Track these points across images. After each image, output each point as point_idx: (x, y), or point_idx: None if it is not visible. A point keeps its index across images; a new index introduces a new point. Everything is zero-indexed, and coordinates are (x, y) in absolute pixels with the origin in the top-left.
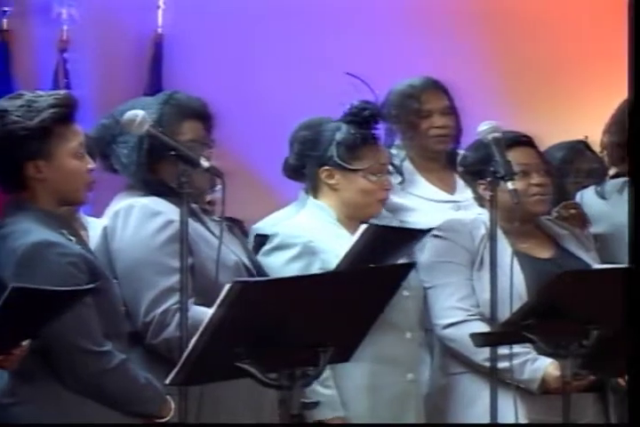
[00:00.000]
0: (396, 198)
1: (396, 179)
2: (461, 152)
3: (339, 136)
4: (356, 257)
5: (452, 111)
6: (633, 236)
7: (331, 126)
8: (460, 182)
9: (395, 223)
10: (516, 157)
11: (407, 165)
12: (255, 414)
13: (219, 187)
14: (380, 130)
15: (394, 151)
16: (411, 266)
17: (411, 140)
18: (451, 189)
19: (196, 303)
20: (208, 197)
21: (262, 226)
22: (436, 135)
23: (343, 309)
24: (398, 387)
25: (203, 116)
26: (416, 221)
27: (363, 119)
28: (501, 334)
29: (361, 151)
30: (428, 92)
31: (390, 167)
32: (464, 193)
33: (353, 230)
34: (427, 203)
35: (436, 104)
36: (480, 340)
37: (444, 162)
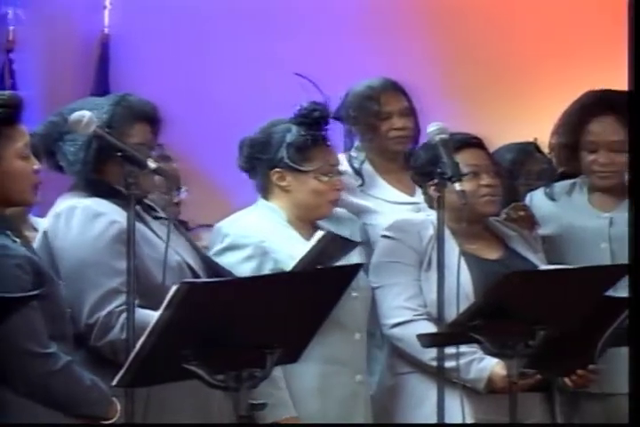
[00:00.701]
0: (357, 200)
1: (356, 181)
2: None
3: (289, 138)
4: (310, 263)
5: (410, 112)
6: (633, 236)
7: (280, 128)
8: None
9: (358, 225)
10: (465, 158)
11: (367, 167)
12: (202, 416)
13: (185, 188)
14: (330, 131)
15: (353, 153)
16: (357, 268)
17: (370, 142)
18: (411, 190)
19: (139, 305)
20: (175, 199)
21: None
22: (395, 137)
23: (290, 310)
24: (347, 388)
25: (153, 119)
26: (378, 223)
27: (312, 120)
28: (448, 334)
29: (311, 152)
30: (386, 94)
31: (350, 169)
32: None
33: (304, 232)
34: (387, 205)
35: (395, 105)
36: (427, 340)
37: (403, 163)
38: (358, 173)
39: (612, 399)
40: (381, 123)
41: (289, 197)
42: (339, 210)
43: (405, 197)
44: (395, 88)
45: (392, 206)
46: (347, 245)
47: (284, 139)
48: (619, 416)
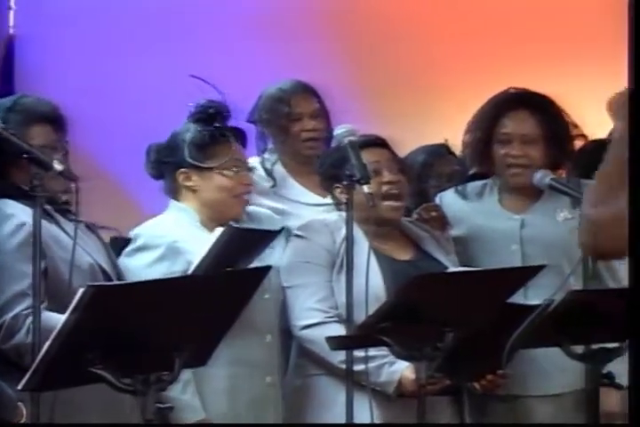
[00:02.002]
0: (269, 202)
1: (268, 183)
2: None
3: (188, 136)
4: (214, 259)
5: (321, 114)
6: (633, 235)
7: (181, 129)
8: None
9: (279, 224)
10: (366, 156)
11: (279, 170)
12: (112, 416)
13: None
14: (230, 127)
15: (266, 155)
16: (267, 269)
17: (282, 144)
18: (323, 192)
19: (49, 308)
20: (64, 197)
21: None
22: (307, 138)
23: (199, 312)
24: (257, 390)
25: (52, 119)
26: (291, 224)
27: (209, 117)
28: (357, 337)
29: (212, 149)
30: (297, 96)
31: (262, 172)
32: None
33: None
34: (301, 206)
35: (306, 107)
36: (335, 343)
37: (315, 165)
38: (270, 174)
39: (520, 402)
40: (292, 124)
41: (197, 197)
42: (257, 209)
43: (318, 199)
44: (305, 90)
45: (305, 208)
46: (259, 236)
47: (185, 138)
48: (526, 418)
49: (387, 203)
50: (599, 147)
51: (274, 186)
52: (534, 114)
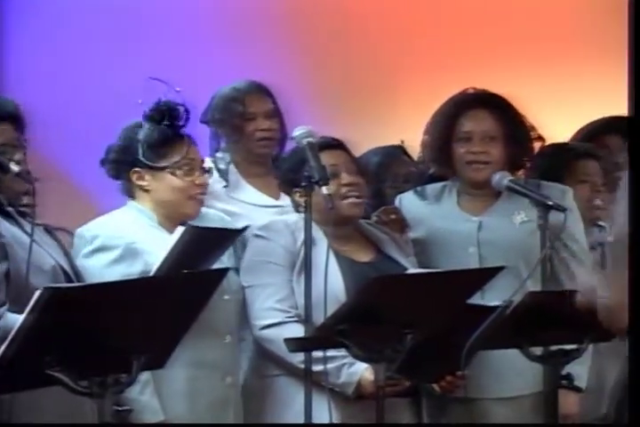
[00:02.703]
0: (221, 204)
1: (220, 183)
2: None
3: (141, 135)
4: (175, 259)
5: (276, 114)
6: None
7: (135, 129)
8: None
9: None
10: (325, 158)
11: (232, 170)
12: (73, 416)
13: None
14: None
15: (219, 155)
16: (225, 271)
17: (236, 144)
18: (276, 193)
19: (13, 310)
20: (25, 199)
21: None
22: (261, 138)
23: (157, 314)
24: (217, 391)
25: (12, 117)
26: (241, 226)
27: (161, 116)
28: (315, 338)
29: (165, 148)
30: (251, 96)
31: (215, 172)
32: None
33: (173, 232)
34: (251, 208)
35: (260, 107)
36: (294, 344)
37: (268, 166)
38: (224, 175)
39: (477, 404)
40: (246, 124)
41: (151, 197)
42: (207, 211)
43: (270, 201)
44: (260, 90)
45: (256, 209)
46: (221, 235)
47: (138, 138)
48: (483, 421)
49: (347, 200)
50: (558, 150)
51: (226, 186)
52: (493, 113)
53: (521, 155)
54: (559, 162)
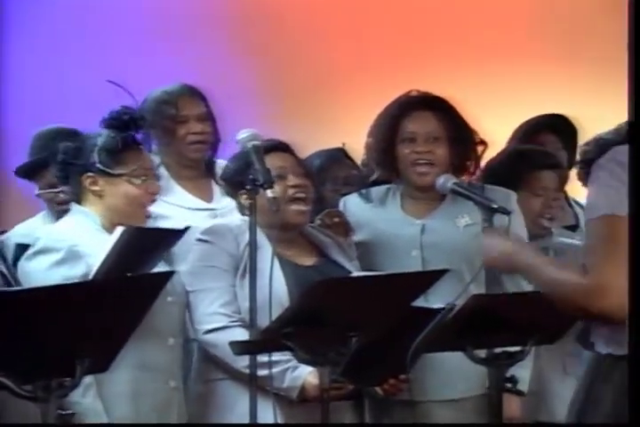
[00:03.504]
0: (152, 208)
1: None
2: (219, 161)
3: (100, 141)
4: (114, 261)
5: (208, 117)
6: (634, 236)
7: (93, 133)
8: (218, 190)
9: None
10: (271, 161)
11: (163, 173)
12: (21, 416)
13: None
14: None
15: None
16: (170, 274)
17: (167, 147)
18: (208, 197)
19: None
20: None
21: (15, 234)
22: (193, 141)
23: (101, 318)
24: (161, 394)
25: None
26: (190, 225)
27: (122, 123)
28: (260, 342)
29: (123, 156)
30: (184, 98)
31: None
32: (221, 201)
33: None
34: (183, 211)
35: (192, 110)
36: (239, 348)
37: (201, 170)
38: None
39: (420, 406)
40: (178, 127)
41: (102, 202)
42: None
43: (202, 203)
44: (192, 93)
45: (187, 212)
46: (161, 235)
47: (96, 143)
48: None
49: (293, 207)
50: (517, 159)
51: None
52: (436, 115)
53: (464, 156)
54: (517, 173)
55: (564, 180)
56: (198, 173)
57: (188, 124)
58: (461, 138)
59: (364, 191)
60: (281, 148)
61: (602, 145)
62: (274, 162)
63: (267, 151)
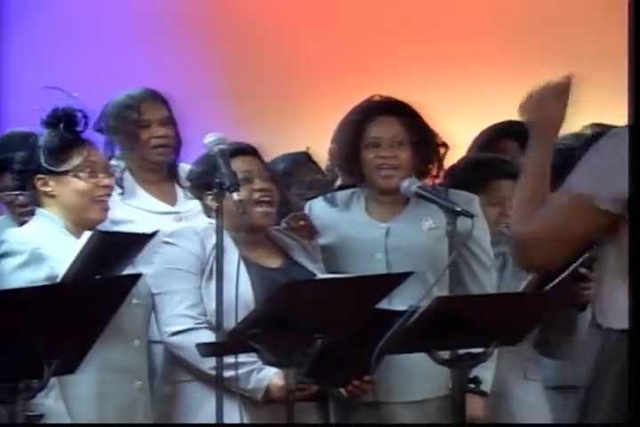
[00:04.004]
0: (115, 211)
1: (115, 190)
2: (182, 164)
3: (41, 142)
4: (82, 264)
5: (170, 121)
6: (634, 237)
7: (36, 136)
8: (181, 193)
9: None
10: (237, 165)
11: (127, 177)
12: None
13: None
14: (84, 131)
15: (113, 162)
16: (137, 277)
17: (131, 151)
18: (171, 200)
19: None
20: None
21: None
22: (156, 145)
23: (68, 320)
24: (127, 395)
25: None
26: (159, 229)
27: (58, 120)
28: (227, 343)
29: (66, 152)
30: (146, 103)
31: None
32: (185, 204)
33: (80, 237)
34: (147, 214)
35: (154, 114)
36: (205, 350)
37: (164, 174)
38: (118, 182)
39: (384, 407)
40: (141, 131)
41: (57, 203)
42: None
43: (166, 207)
44: (154, 97)
45: (151, 216)
46: (129, 239)
47: (39, 144)
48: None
49: (258, 209)
50: (477, 167)
51: (122, 193)
52: (400, 120)
53: (427, 160)
54: (475, 180)
55: None
56: (161, 176)
57: (150, 129)
58: (424, 142)
59: (329, 195)
60: (247, 151)
61: (560, 150)
62: (240, 165)
63: (233, 155)
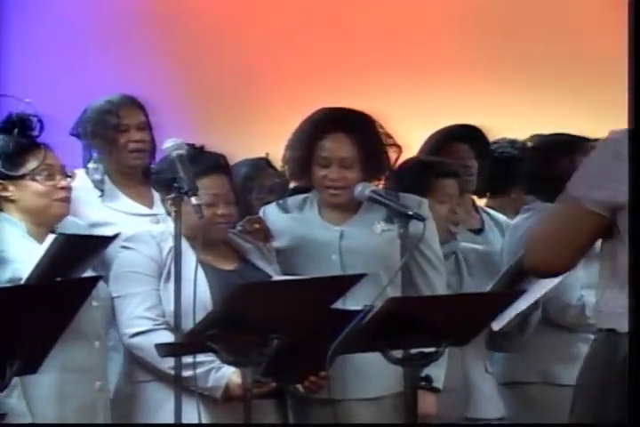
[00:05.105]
0: (95, 214)
1: (94, 193)
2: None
3: None
4: (45, 267)
5: (147, 126)
6: (633, 234)
7: None
8: (157, 196)
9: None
10: (206, 183)
11: (105, 180)
12: None
13: None
14: (39, 136)
15: (92, 166)
16: (97, 279)
17: (109, 155)
18: (149, 202)
19: None
20: None
21: None
22: (133, 149)
23: (29, 321)
24: (87, 395)
25: None
26: (120, 232)
27: (13, 126)
28: (185, 344)
29: (22, 157)
30: (126, 108)
31: (88, 183)
32: (161, 207)
33: (43, 238)
34: (126, 216)
35: (133, 119)
36: (164, 350)
37: (140, 177)
38: (98, 184)
39: (341, 405)
40: (120, 135)
41: (17, 207)
42: (73, 220)
43: (143, 209)
44: (133, 103)
45: (130, 218)
46: (92, 243)
47: None
48: (347, 421)
49: (217, 226)
50: (421, 168)
51: (102, 196)
52: (350, 136)
53: (377, 175)
54: (421, 181)
55: (467, 186)
56: (138, 179)
57: (128, 133)
58: (374, 157)
59: (280, 202)
60: (219, 167)
61: (498, 158)
62: (208, 186)
63: (205, 172)
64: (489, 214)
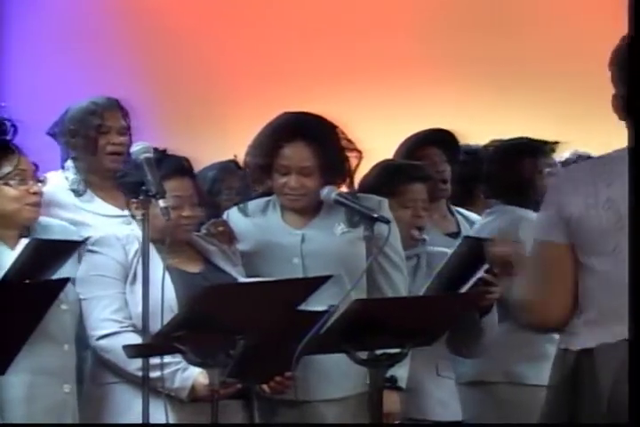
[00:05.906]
0: (69, 214)
1: (69, 194)
2: None
3: None
4: (18, 270)
5: (127, 131)
6: (633, 233)
7: None
8: None
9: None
10: (170, 186)
11: (80, 181)
12: None
13: None
14: (13, 139)
15: (69, 165)
16: (65, 282)
17: (86, 155)
18: (122, 204)
19: None
20: None
21: None
22: (111, 152)
23: None
24: (55, 398)
25: None
26: (90, 236)
27: None
28: (153, 345)
29: None
30: (110, 110)
31: (64, 184)
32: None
33: (12, 242)
34: (100, 218)
35: (115, 122)
36: (132, 351)
37: (114, 180)
38: (74, 185)
39: (307, 406)
40: (100, 137)
41: None
42: (49, 220)
43: (116, 211)
44: (117, 106)
45: (103, 219)
46: (62, 247)
47: None
48: (313, 422)
49: (182, 228)
50: (387, 171)
51: (80, 195)
52: (310, 144)
53: (337, 180)
54: (387, 185)
55: (441, 191)
56: (112, 182)
57: (109, 136)
58: (333, 165)
59: (242, 205)
60: (183, 170)
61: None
62: (173, 188)
63: (169, 175)
64: (464, 216)
